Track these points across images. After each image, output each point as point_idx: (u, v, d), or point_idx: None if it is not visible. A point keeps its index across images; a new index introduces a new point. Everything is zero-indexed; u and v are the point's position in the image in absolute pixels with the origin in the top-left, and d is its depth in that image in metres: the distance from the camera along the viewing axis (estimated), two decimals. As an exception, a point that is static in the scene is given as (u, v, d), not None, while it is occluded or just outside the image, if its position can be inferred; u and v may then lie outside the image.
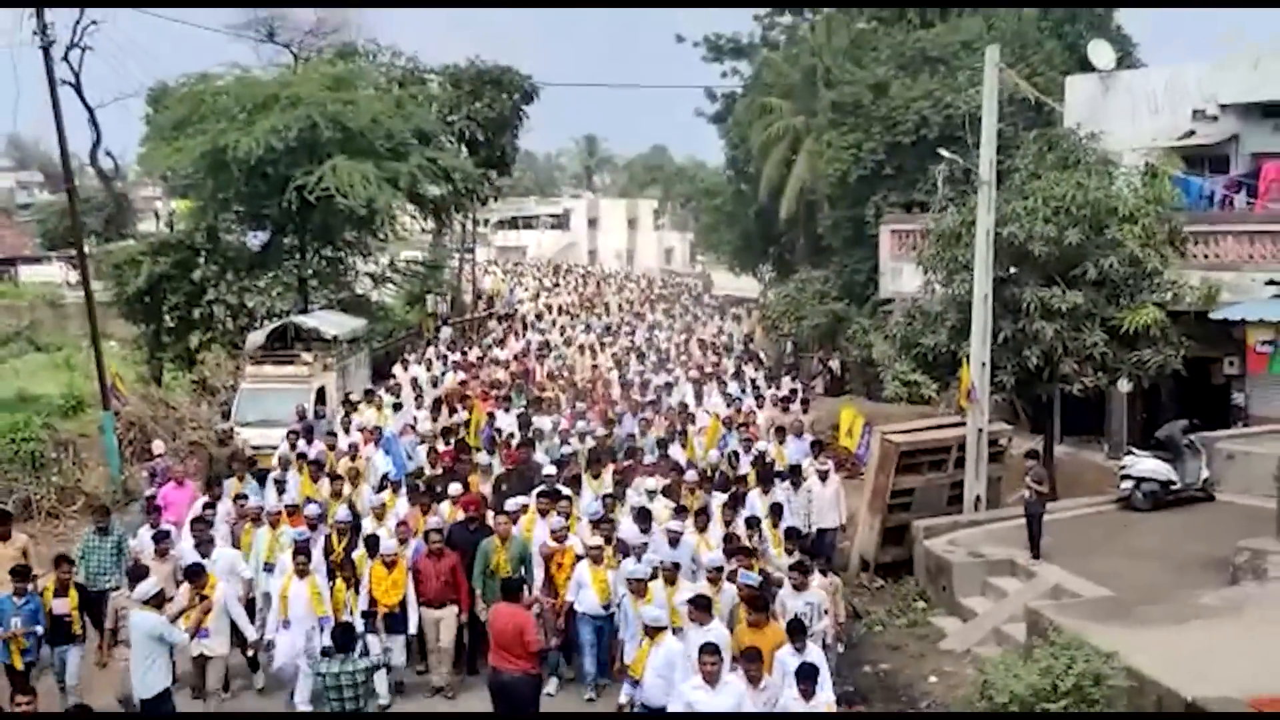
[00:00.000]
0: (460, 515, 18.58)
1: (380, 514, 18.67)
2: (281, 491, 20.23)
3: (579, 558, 17.04)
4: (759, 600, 14.16)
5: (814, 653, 13.39)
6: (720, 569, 15.59)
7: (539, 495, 18.61)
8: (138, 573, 15.41)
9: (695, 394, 30.20)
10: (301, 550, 16.44)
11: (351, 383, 33.12)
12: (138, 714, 14.77)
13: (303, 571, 16.23)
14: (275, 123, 35.78)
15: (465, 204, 50.32)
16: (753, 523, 18.05)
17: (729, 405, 28.43)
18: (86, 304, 30.28)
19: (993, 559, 20.45)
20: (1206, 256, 26.10)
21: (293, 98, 37.05)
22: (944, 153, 26.11)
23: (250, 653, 16.73)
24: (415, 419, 27.07)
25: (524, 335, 46.07)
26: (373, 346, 39.53)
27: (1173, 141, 30.97)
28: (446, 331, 48.46)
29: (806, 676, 12.37)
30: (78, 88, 42.47)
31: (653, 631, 13.89)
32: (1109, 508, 23.51)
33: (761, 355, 43.62)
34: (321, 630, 15.77)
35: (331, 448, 23.76)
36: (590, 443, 24.10)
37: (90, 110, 45.13)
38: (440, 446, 24.06)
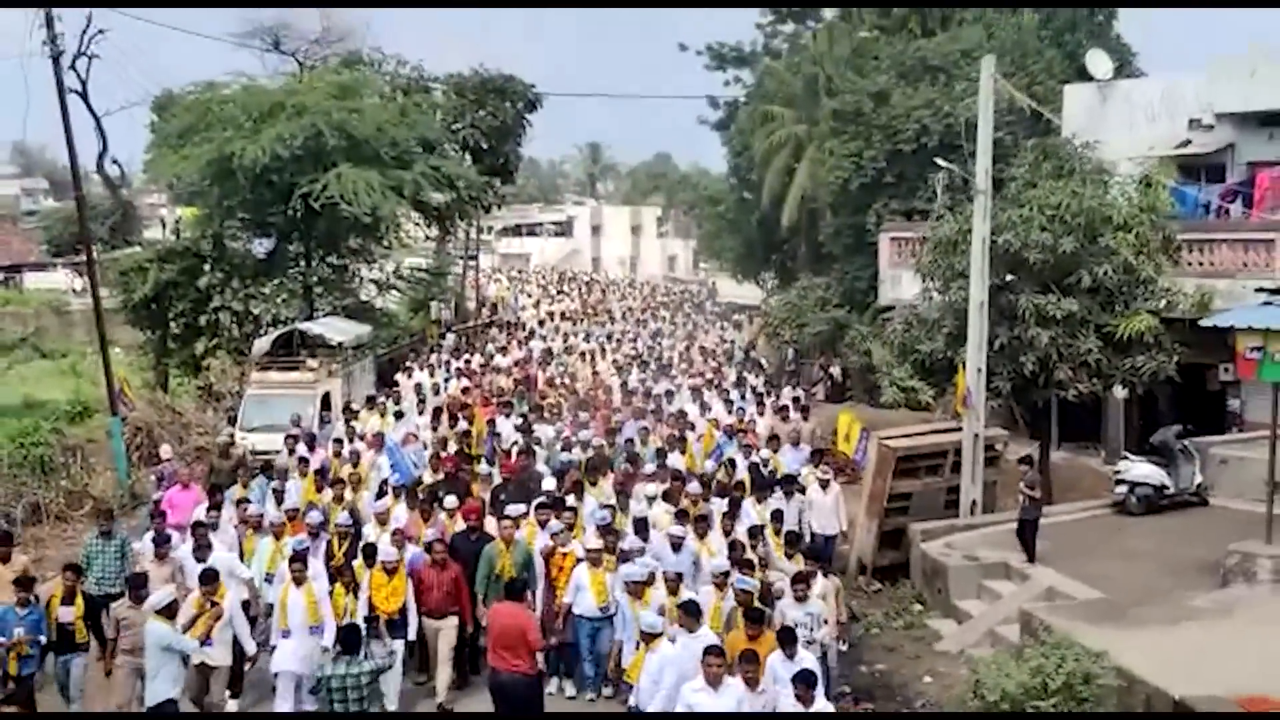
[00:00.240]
0: (460, 525, 18.61)
1: (383, 520, 18.61)
2: (280, 500, 20.25)
3: (578, 560, 17.14)
4: (754, 612, 14.22)
5: (806, 661, 13.44)
6: (726, 574, 15.68)
7: (538, 506, 18.71)
8: (137, 581, 15.56)
9: (696, 401, 30.22)
10: (298, 558, 16.39)
11: (356, 389, 33.33)
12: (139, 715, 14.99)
13: (299, 579, 16.16)
14: (281, 131, 36.10)
15: (469, 211, 50.69)
16: (754, 532, 18.05)
17: (729, 413, 28.58)
18: (95, 311, 30.60)
19: (988, 562, 20.77)
20: (1202, 264, 26.38)
21: (298, 106, 37.37)
22: (941, 162, 26.35)
23: (246, 666, 16.70)
24: (418, 426, 27.07)
25: (526, 343, 46.15)
26: (377, 353, 39.74)
27: (1170, 150, 31.18)
28: (450, 338, 48.66)
29: (805, 682, 12.43)
30: (84, 96, 42.69)
31: (649, 638, 14.05)
32: (1103, 512, 23.82)
33: (763, 362, 43.88)
34: (320, 635, 15.95)
35: (337, 454, 23.80)
36: (589, 451, 24.18)
37: (97, 118, 45.38)
38: (442, 454, 23.98)
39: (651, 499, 19.65)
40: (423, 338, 48.77)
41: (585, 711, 16.66)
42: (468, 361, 39.54)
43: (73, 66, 41.21)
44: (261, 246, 41.24)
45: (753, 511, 19.47)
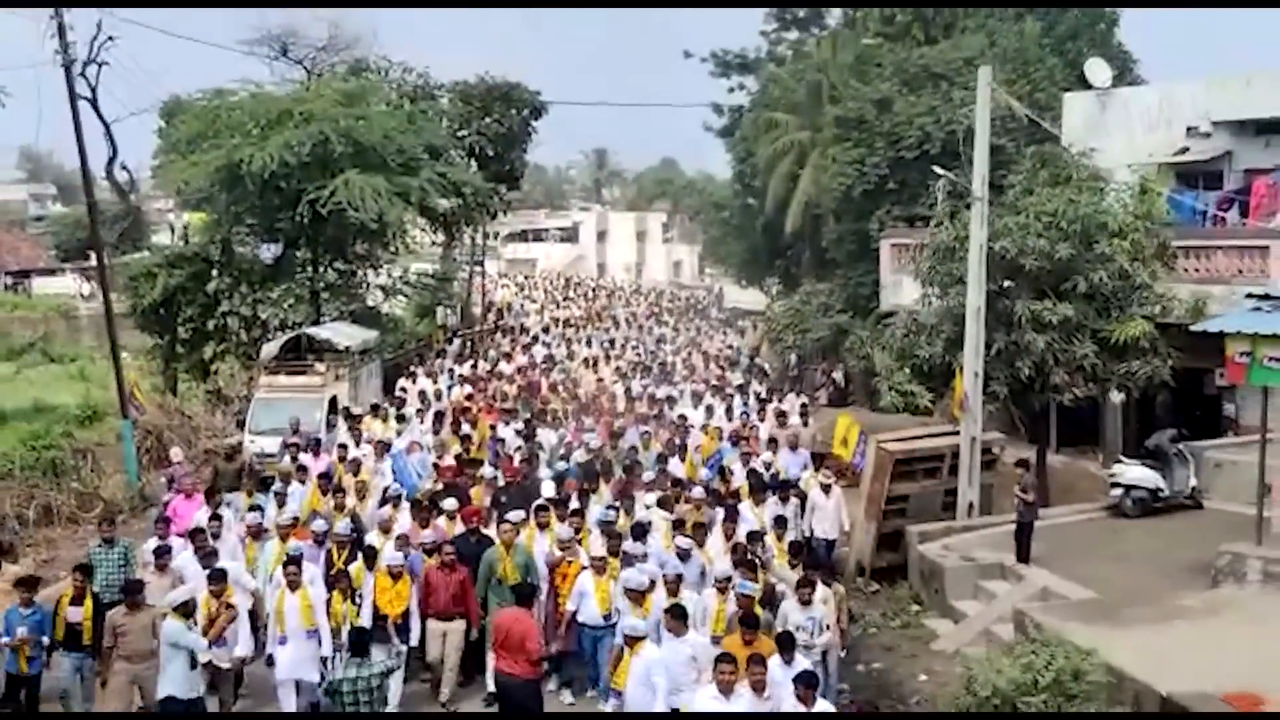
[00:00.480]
0: (459, 528, 18.78)
1: (386, 528, 18.64)
2: (282, 505, 20.24)
3: (583, 568, 17.25)
4: (749, 618, 14.37)
5: (804, 666, 13.58)
6: (729, 579, 15.86)
7: (538, 508, 18.90)
8: (133, 588, 15.67)
9: (698, 406, 30.37)
10: (293, 562, 16.47)
11: (363, 393, 33.61)
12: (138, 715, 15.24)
13: (294, 584, 16.24)
14: (289, 138, 36.36)
15: (475, 217, 50.94)
16: (753, 536, 18.22)
17: (730, 419, 28.82)
18: (106, 315, 30.95)
19: (984, 563, 21.10)
20: (1198, 270, 26.60)
21: (306, 113, 37.65)
22: (938, 169, 26.63)
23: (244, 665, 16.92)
24: (421, 434, 27.04)
25: (529, 349, 46.40)
26: (384, 357, 40.03)
27: (1167, 158, 31.48)
28: (455, 344, 48.93)
29: (806, 683, 12.62)
30: (94, 102, 43.18)
31: (632, 641, 14.16)
32: (1099, 515, 24.12)
33: (766, 368, 44.10)
34: (316, 639, 16.16)
35: (342, 460, 23.90)
36: (589, 457, 24.26)
37: (106, 125, 45.92)
38: (441, 461, 24.13)
39: (648, 506, 19.84)
40: (429, 343, 49.03)
41: (586, 712, 16.78)
42: (473, 367, 39.71)
43: (83, 73, 41.71)
44: (269, 252, 41.59)
45: (751, 515, 19.63)
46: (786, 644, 13.79)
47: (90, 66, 42.74)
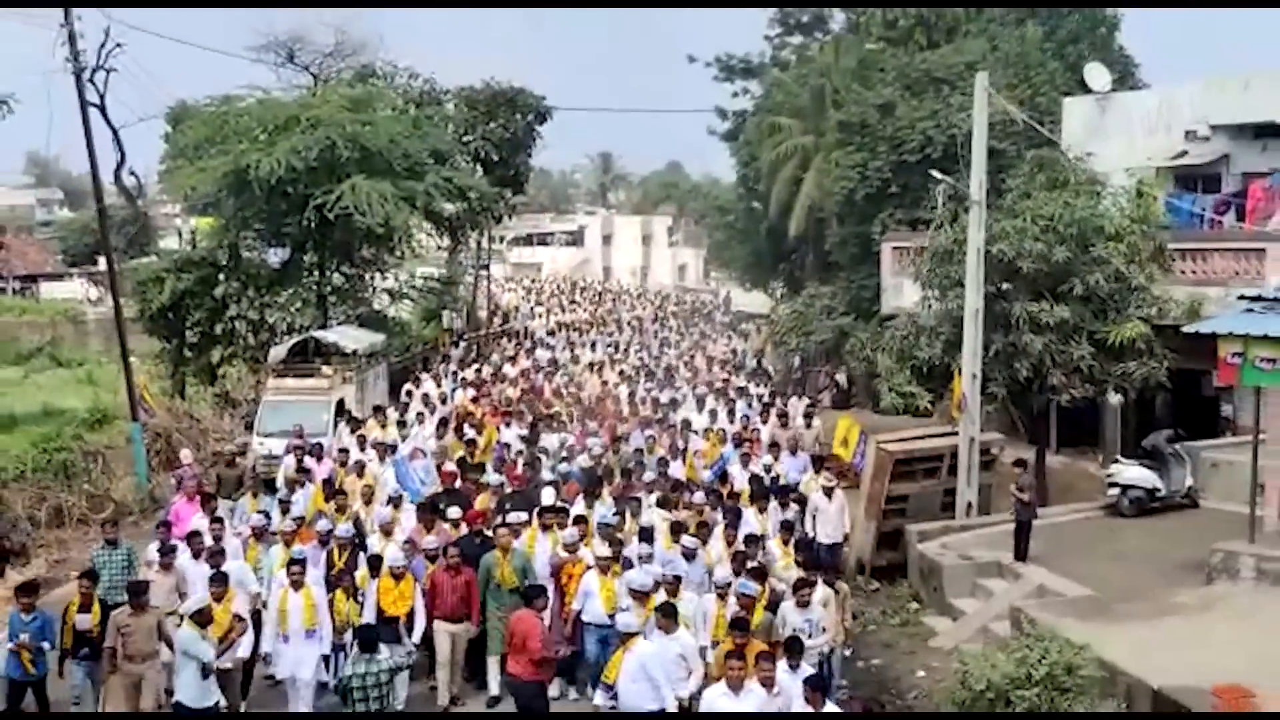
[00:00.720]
0: (463, 531, 18.99)
1: (388, 531, 18.74)
2: (286, 510, 20.22)
3: (588, 568, 17.32)
4: (740, 620, 14.42)
5: (807, 672, 13.66)
6: (729, 584, 15.94)
7: (541, 511, 19.03)
8: (137, 589, 15.78)
9: (702, 410, 30.38)
10: (297, 562, 16.63)
11: (370, 395, 33.88)
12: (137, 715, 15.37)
13: (298, 583, 16.38)
14: (296, 143, 36.78)
15: (480, 221, 51.19)
16: (751, 540, 18.32)
17: (733, 422, 28.95)
18: (116, 319, 31.31)
19: (982, 561, 21.37)
20: (1195, 273, 26.85)
21: (313, 119, 38.03)
22: (935, 174, 26.93)
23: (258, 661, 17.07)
24: (423, 438, 26.86)
25: (532, 353, 46.60)
26: (390, 361, 40.32)
27: (1166, 161, 31.71)
28: (460, 348, 49.15)
29: (814, 685, 12.78)
30: (103, 109, 43.36)
31: (625, 638, 14.26)
32: (1096, 514, 24.42)
33: (770, 370, 44.28)
34: (317, 639, 16.34)
35: (343, 464, 23.97)
36: (591, 461, 24.34)
37: (115, 130, 46.08)
38: (442, 466, 24.20)
39: (648, 507, 20.01)
40: (435, 346, 49.27)
41: (586, 712, 16.73)
42: (477, 371, 39.87)
43: (91, 80, 41.94)
44: (276, 256, 41.89)
45: (754, 520, 19.79)
46: (794, 649, 13.88)
47: (99, 73, 42.85)
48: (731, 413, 30.04)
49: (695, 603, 16.08)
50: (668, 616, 14.55)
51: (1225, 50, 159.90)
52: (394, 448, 24.94)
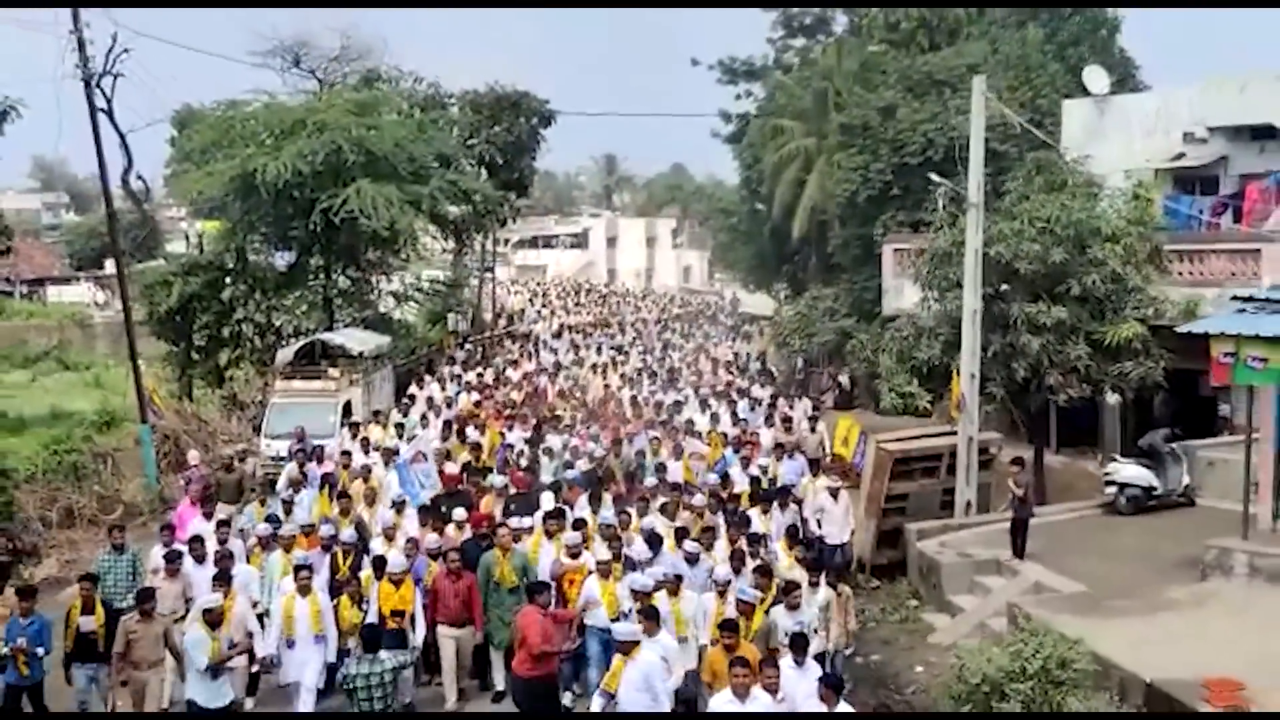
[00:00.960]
0: (466, 535, 19.14)
1: (390, 535, 18.86)
2: (289, 513, 20.37)
3: (590, 572, 17.38)
4: (729, 622, 14.54)
5: (814, 669, 13.85)
6: (729, 583, 16.11)
7: (546, 516, 19.12)
8: (145, 595, 15.97)
9: (703, 412, 30.41)
10: (304, 568, 16.77)
11: (376, 397, 34.20)
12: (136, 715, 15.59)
13: (305, 589, 16.51)
14: (302, 147, 37.08)
15: (485, 224, 51.53)
16: (755, 539, 18.49)
17: (735, 424, 29.11)
18: (125, 323, 31.62)
19: (980, 559, 21.60)
20: (1192, 274, 27.06)
21: (318, 123, 38.32)
22: (934, 176, 27.23)
23: (254, 669, 17.23)
24: (426, 442, 26.82)
25: (537, 355, 46.84)
26: (396, 363, 40.55)
27: (1164, 163, 31.97)
28: (465, 350, 49.37)
29: (828, 684, 12.88)
30: (110, 114, 43.66)
31: (627, 647, 14.08)
32: (1093, 512, 24.63)
33: (774, 372, 44.45)
34: (323, 644, 16.49)
35: (345, 467, 24.12)
36: (592, 464, 24.38)
37: (122, 135, 46.39)
38: (444, 469, 24.30)
39: (652, 512, 20.09)
40: (440, 348, 49.54)
41: (587, 712, 16.66)
42: (480, 375, 40.00)
43: (98, 85, 42.24)
44: (283, 259, 42.26)
45: (758, 522, 19.96)
46: (799, 647, 14.00)
47: (106, 78, 43.16)
48: (735, 415, 30.19)
49: (696, 602, 16.19)
50: (649, 618, 14.64)
51: (1226, 51, 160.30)
52: (396, 452, 25.11)
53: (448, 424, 28.87)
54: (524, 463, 24.49)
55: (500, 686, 17.57)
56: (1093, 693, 14.73)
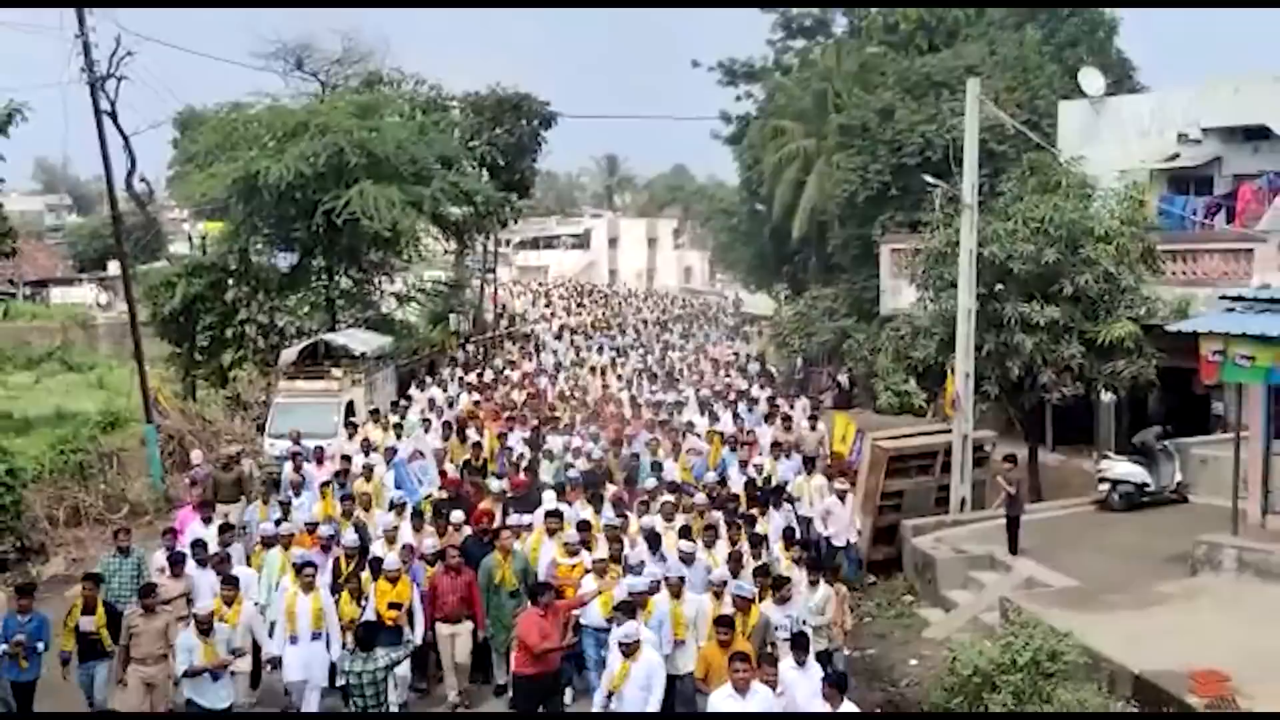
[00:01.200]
0: (466, 533, 19.29)
1: (391, 538, 18.74)
2: (286, 514, 20.44)
3: (586, 572, 17.42)
4: (724, 618, 14.61)
5: (815, 669, 13.86)
6: (724, 583, 16.18)
7: (547, 515, 19.22)
8: (146, 591, 16.02)
9: (703, 413, 30.48)
10: (308, 565, 16.81)
11: (379, 397, 34.41)
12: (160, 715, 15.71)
13: (308, 586, 16.50)
14: (304, 149, 37.38)
15: (486, 225, 51.73)
16: (756, 540, 18.61)
17: (735, 424, 29.15)
18: (131, 324, 31.90)
19: (974, 555, 21.93)
20: (1186, 273, 27.32)
21: (321, 125, 38.61)
22: (929, 178, 27.49)
23: (268, 668, 17.25)
24: (426, 442, 26.94)
25: (537, 356, 46.99)
26: (398, 363, 40.84)
27: (1159, 164, 32.28)
28: (464, 351, 49.60)
29: (833, 683, 12.84)
30: (114, 116, 43.97)
31: (629, 650, 14.12)
32: (1087, 509, 24.97)
33: (774, 372, 44.64)
34: (324, 642, 16.55)
35: (345, 471, 23.91)
36: (589, 466, 24.50)
37: (126, 138, 46.66)
38: (445, 470, 24.48)
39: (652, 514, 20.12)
40: (442, 349, 49.78)
41: (587, 712, 16.60)
42: (480, 376, 40.10)
43: (102, 87, 42.51)
44: (286, 261, 42.51)
45: (758, 523, 19.95)
46: (801, 645, 14.04)
47: (110, 81, 43.46)
48: (736, 415, 30.32)
49: (697, 604, 16.23)
50: (625, 614, 14.71)
51: (1225, 52, 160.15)
52: (395, 451, 25.29)
53: (447, 424, 28.92)
54: (524, 464, 24.46)
55: (501, 680, 17.76)
56: (1082, 684, 14.98)
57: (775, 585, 16.12)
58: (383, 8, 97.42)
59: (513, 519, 19.06)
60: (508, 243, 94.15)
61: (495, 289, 67.98)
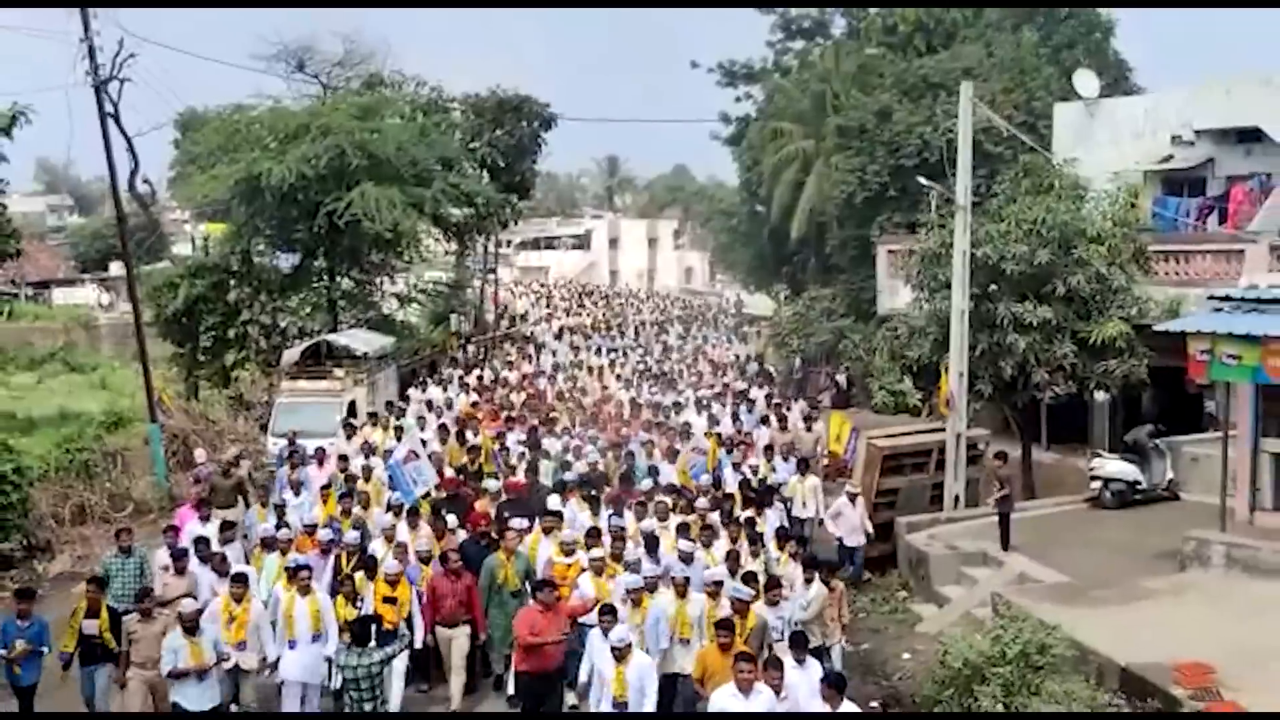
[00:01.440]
0: (462, 536, 19.40)
1: (390, 538, 18.82)
2: (282, 515, 20.49)
3: (583, 569, 17.47)
4: (724, 620, 14.61)
5: (815, 667, 14.01)
6: (720, 583, 16.25)
7: (546, 514, 19.37)
8: (142, 594, 16.16)
9: (700, 414, 30.42)
10: (304, 568, 16.82)
11: (380, 397, 34.54)
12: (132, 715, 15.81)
13: (305, 589, 16.51)
14: (306, 151, 37.65)
15: (487, 226, 51.95)
16: (754, 539, 18.82)
17: (733, 425, 29.40)
18: (135, 325, 32.16)
19: (967, 551, 22.25)
20: (1178, 274, 27.60)
21: (322, 127, 38.87)
22: (923, 180, 27.76)
23: (265, 673, 17.16)
24: (422, 442, 27.00)
25: (536, 357, 47.16)
26: (399, 363, 41.07)
27: (1153, 165, 32.57)
28: (463, 352, 49.80)
29: (832, 684, 12.89)
30: (117, 118, 44.27)
31: (620, 653, 14.04)
32: (1079, 506, 25.27)
33: (772, 372, 44.84)
34: (323, 644, 16.58)
35: (344, 471, 24.01)
36: (586, 468, 24.51)
37: (129, 139, 46.94)
38: (443, 472, 24.39)
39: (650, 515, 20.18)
40: (443, 349, 50.00)
41: (586, 712, 16.50)
42: (479, 377, 40.12)
43: (106, 89, 42.80)
44: (287, 262, 42.71)
45: (756, 523, 20.14)
46: (800, 644, 14.17)
47: (113, 82, 43.78)
48: (736, 416, 30.55)
49: (700, 604, 16.27)
50: (608, 615, 14.75)
51: (1221, 53, 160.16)
52: (390, 452, 25.40)
53: (443, 427, 28.96)
54: (522, 466, 24.49)
55: (501, 672, 17.91)
56: (1070, 676, 15.26)
57: (767, 587, 16.27)
58: (383, 8, 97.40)
59: (515, 523, 18.90)
60: (508, 243, 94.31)
61: (496, 290, 68.12)
